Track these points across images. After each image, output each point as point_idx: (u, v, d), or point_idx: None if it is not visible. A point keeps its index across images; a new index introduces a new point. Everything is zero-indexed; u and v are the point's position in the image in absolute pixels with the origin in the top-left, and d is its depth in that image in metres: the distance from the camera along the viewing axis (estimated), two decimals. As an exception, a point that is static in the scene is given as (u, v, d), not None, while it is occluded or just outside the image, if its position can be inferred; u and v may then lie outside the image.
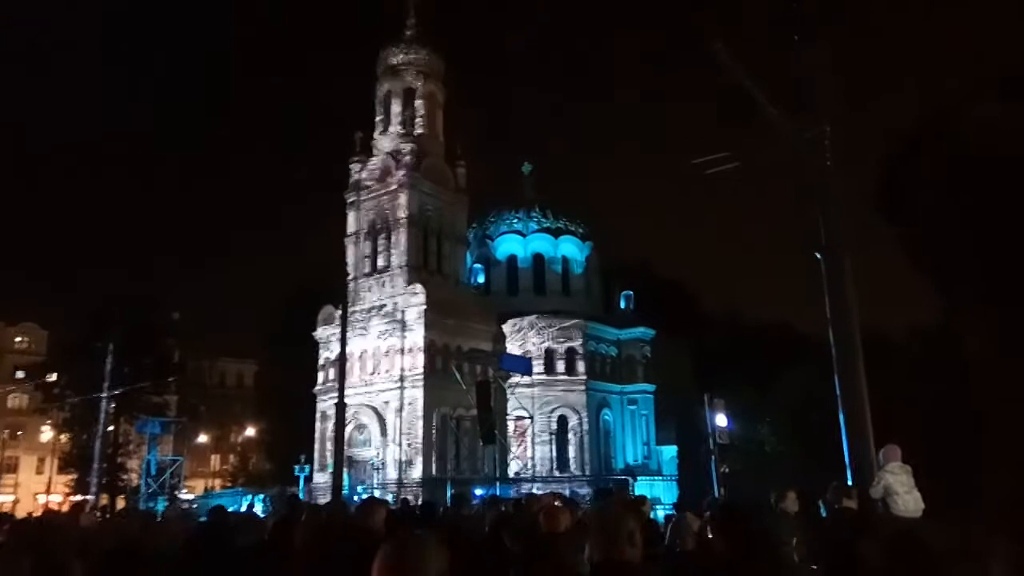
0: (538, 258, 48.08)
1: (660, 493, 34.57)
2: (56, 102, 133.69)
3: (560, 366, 42.38)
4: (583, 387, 42.19)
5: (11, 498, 56.16)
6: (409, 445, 37.75)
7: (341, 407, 22.03)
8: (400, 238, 41.12)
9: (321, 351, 42.52)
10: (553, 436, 41.52)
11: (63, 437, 51.72)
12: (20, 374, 61.79)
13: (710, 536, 6.02)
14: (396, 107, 44.12)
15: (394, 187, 41.84)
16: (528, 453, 39.83)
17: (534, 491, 21.61)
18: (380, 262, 41.99)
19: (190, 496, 43.95)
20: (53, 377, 51.57)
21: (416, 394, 38.29)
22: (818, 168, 9.62)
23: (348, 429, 35.79)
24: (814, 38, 9.73)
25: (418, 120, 43.79)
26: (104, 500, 36.62)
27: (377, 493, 32.62)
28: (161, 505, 30.19)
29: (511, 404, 38.55)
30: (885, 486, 8.19)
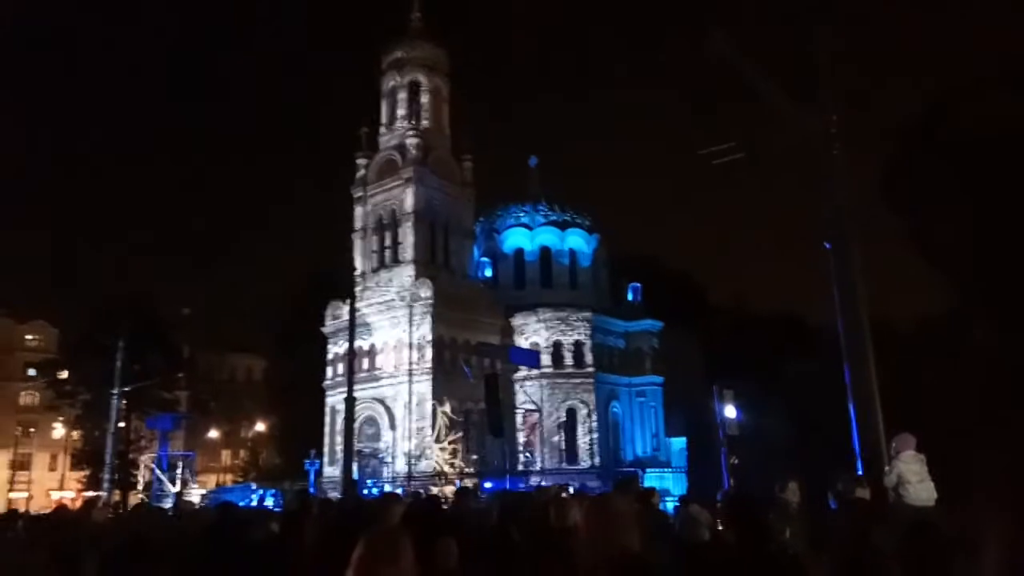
0: (545, 251, 47.99)
1: (669, 485, 34.61)
2: (58, 102, 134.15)
3: (568, 359, 42.34)
4: (591, 380, 42.18)
5: (25, 495, 56.61)
6: (419, 439, 37.86)
7: (350, 401, 22.12)
8: (407, 232, 41.13)
9: (330, 346, 42.63)
10: (562, 429, 41.52)
11: (75, 434, 52.14)
12: (32, 372, 62.26)
13: (720, 528, 6.02)
14: (401, 102, 44.05)
15: (400, 182, 41.83)
16: (537, 446, 39.89)
17: (543, 484, 21.63)
18: (387, 257, 42.03)
19: (202, 491, 44.20)
20: (64, 374, 52.00)
21: (424, 388, 38.36)
22: (826, 159, 9.57)
23: (357, 423, 35.91)
24: (822, 28, 9.67)
25: (424, 114, 43.72)
26: (116, 496, 36.86)
27: (387, 487, 32.76)
28: (171, 501, 30.34)
29: (519, 397, 38.62)
30: (898, 475, 8.17)
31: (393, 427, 38.75)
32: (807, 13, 9.57)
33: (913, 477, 8.13)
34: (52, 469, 61.71)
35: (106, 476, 33.83)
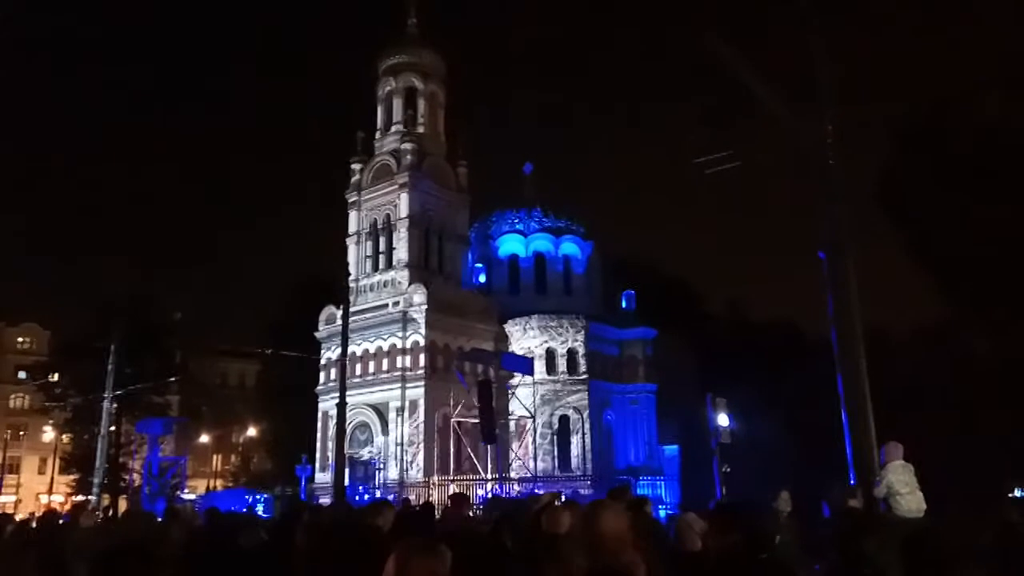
0: (539, 258, 47.98)
1: (662, 493, 34.56)
2: (55, 101, 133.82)
3: (562, 365, 42.31)
4: (585, 387, 42.13)
5: (13, 498, 56.23)
6: (411, 445, 37.74)
7: (342, 407, 22.04)
8: (401, 238, 41.10)
9: (323, 351, 42.51)
10: (555, 436, 41.42)
11: (65, 437, 51.80)
12: (22, 374, 61.93)
13: (713, 536, 6.00)
14: (397, 107, 44.08)
15: (395, 187, 41.82)
16: (530, 453, 39.80)
17: (536, 491, 21.57)
18: (381, 262, 41.98)
19: (192, 496, 43.96)
20: (55, 377, 51.66)
21: (418, 394, 38.27)
22: (821, 167, 9.61)
23: (349, 429, 35.80)
24: (819, 34, 9.72)
25: (419, 120, 43.74)
26: (106, 500, 36.62)
27: (379, 493, 32.65)
28: (161, 506, 30.14)
29: (512, 404, 38.50)
30: (888, 485, 8.16)
31: (386, 433, 38.63)
32: (807, 13, 9.61)
33: (903, 488, 8.12)
34: (41, 473, 61.26)
35: (96, 480, 33.54)
